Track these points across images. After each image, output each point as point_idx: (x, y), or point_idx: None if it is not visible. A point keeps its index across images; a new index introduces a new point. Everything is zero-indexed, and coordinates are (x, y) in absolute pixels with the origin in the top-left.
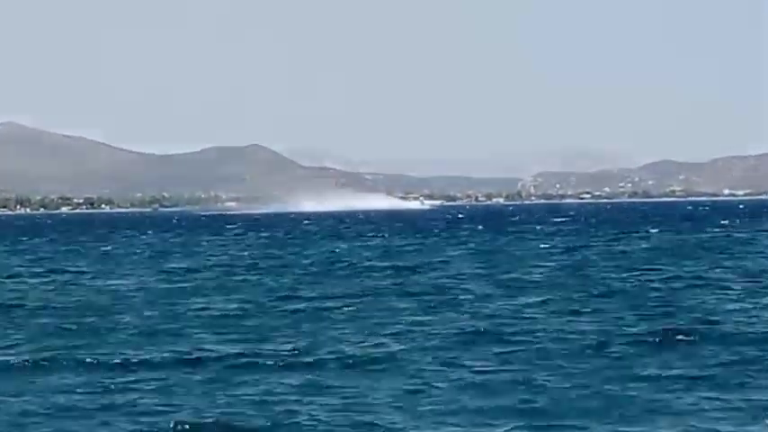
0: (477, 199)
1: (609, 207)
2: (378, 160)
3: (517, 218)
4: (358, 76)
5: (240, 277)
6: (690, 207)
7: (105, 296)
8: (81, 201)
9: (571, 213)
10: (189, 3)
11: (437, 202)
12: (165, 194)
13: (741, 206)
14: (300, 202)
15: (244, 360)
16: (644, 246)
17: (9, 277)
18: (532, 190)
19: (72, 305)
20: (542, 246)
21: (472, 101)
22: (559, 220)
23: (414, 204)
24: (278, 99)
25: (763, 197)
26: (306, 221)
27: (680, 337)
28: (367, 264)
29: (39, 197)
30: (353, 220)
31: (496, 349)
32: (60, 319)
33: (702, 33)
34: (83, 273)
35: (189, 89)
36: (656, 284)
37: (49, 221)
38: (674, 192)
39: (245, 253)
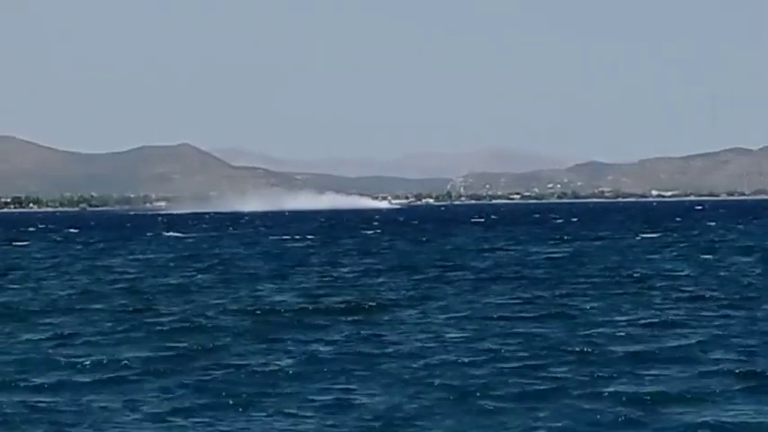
0: (406, 198)
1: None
2: (306, 160)
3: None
4: (286, 76)
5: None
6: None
7: None
8: (9, 200)
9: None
10: (116, 3)
11: (404, 201)
12: (94, 194)
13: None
14: (246, 202)
15: None
16: None
17: None
18: (462, 191)
19: None
20: None
21: (401, 101)
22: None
23: (383, 204)
24: (206, 99)
25: (692, 198)
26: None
27: None
28: None
29: None
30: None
31: None
32: None
33: (629, 35)
34: None
35: (118, 89)
36: None
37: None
38: (602, 192)
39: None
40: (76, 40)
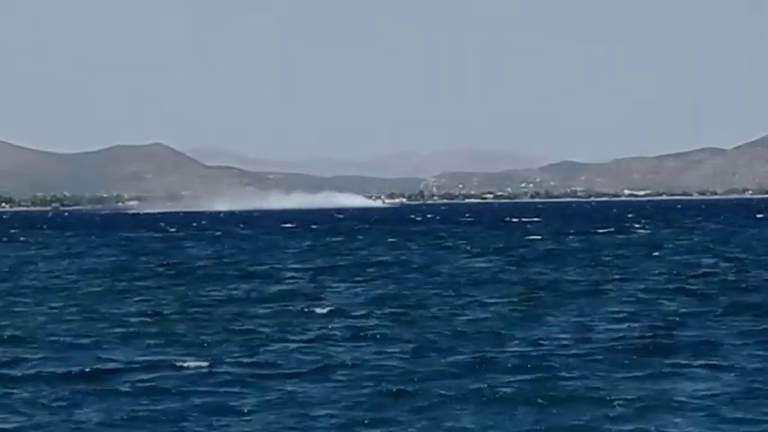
0: (381, 197)
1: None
2: (281, 160)
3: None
4: (262, 76)
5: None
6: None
7: None
8: None
9: None
10: (90, 4)
11: (396, 201)
12: (67, 193)
13: None
14: (219, 202)
15: None
16: None
17: None
18: (435, 190)
19: None
20: None
21: (376, 101)
22: None
23: (377, 203)
24: (180, 98)
25: (665, 197)
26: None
27: None
28: None
29: None
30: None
31: None
32: None
33: (601, 37)
34: None
35: (90, 88)
36: None
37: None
38: (575, 192)
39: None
40: (48, 39)
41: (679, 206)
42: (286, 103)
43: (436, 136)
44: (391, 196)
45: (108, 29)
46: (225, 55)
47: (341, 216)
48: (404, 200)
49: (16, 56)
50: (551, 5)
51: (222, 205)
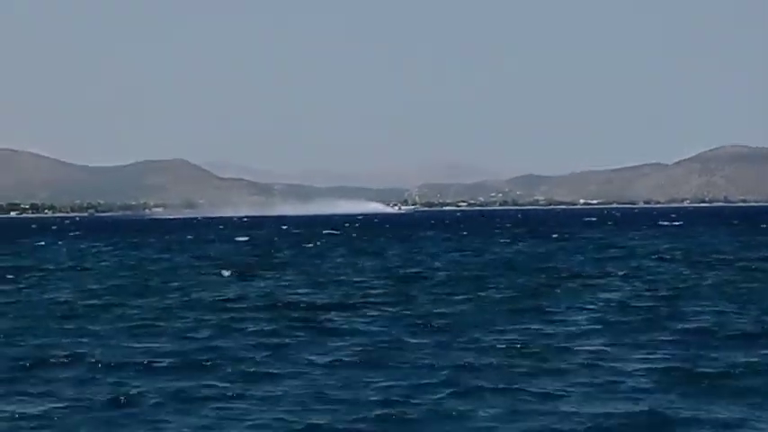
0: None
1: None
2: (282, 172)
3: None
4: (266, 96)
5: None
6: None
7: None
8: (27, 206)
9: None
10: (114, 18)
11: (411, 208)
12: (101, 201)
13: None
14: (233, 209)
15: None
16: None
17: None
18: (417, 199)
19: None
20: None
21: (363, 118)
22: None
23: (393, 209)
24: (198, 117)
25: (615, 206)
26: None
27: None
28: None
29: None
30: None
31: None
32: None
33: (559, 57)
34: None
35: (123, 111)
36: None
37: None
38: (537, 201)
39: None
40: (91, 70)
41: (618, 213)
42: (289, 122)
43: (418, 151)
44: (382, 203)
45: (138, 59)
46: (238, 78)
47: (376, 220)
48: (419, 207)
49: (60, 82)
50: (512, 29)
51: (239, 212)
